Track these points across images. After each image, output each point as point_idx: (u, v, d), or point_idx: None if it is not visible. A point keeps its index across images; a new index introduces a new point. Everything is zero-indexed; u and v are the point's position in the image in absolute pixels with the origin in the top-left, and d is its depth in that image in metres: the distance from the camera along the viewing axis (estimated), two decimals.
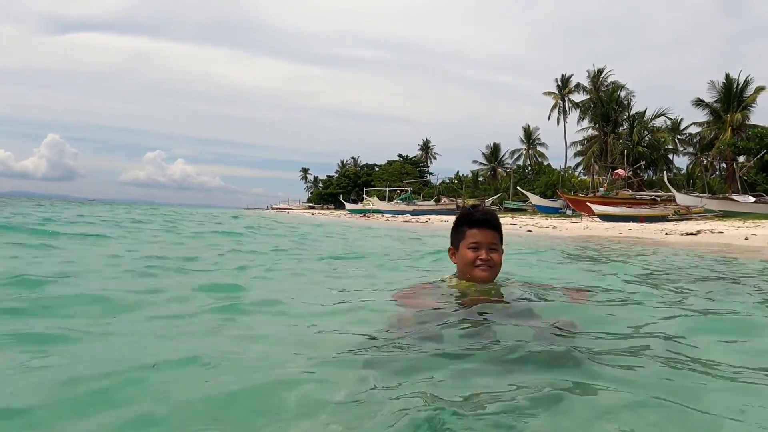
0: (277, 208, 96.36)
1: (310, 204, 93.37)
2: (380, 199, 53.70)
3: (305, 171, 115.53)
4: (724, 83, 44.43)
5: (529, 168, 65.33)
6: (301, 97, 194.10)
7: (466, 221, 3.03)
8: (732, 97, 43.96)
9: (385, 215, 44.56)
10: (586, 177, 54.49)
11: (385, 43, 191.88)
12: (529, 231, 24.57)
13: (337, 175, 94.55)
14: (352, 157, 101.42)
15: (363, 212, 51.20)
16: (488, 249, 2.96)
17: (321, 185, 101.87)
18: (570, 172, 57.29)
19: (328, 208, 79.35)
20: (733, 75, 44.28)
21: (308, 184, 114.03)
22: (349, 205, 59.66)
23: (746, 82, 44.07)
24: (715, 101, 45.07)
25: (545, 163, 65.26)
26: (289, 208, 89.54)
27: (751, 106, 44.26)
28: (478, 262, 2.93)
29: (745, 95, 44.04)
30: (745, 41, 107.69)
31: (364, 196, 59.55)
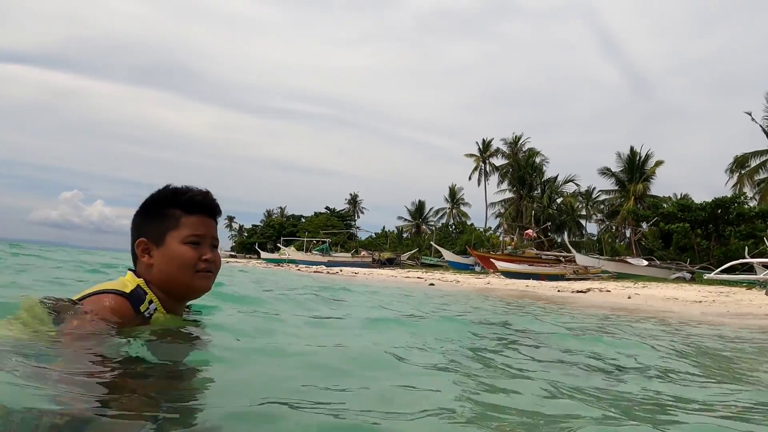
0: None
1: (232, 253, 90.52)
2: (298, 250, 52.56)
3: (230, 219, 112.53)
4: (628, 155, 47.42)
5: (453, 226, 66.45)
6: (231, 145, 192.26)
7: (177, 202, 2.00)
8: (635, 168, 46.85)
9: (299, 265, 43.38)
10: (506, 238, 56.03)
11: (320, 98, 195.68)
12: (431, 285, 24.24)
13: (262, 225, 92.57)
14: (279, 207, 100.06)
15: (277, 261, 49.78)
16: (211, 246, 2.05)
17: (246, 234, 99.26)
18: (491, 232, 58.69)
19: (249, 257, 77.10)
20: (637, 148, 47.45)
21: (233, 233, 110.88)
22: (264, 254, 58.12)
23: (647, 156, 47.25)
24: (621, 171, 47.87)
25: (468, 222, 66.68)
26: None
27: (652, 178, 47.30)
28: (202, 265, 1.97)
29: (646, 168, 47.04)
30: (654, 120, 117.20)
31: (279, 245, 58.23)
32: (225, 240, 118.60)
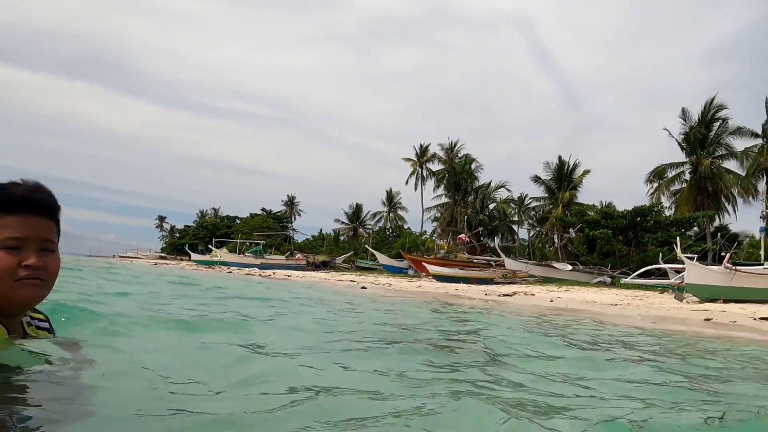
0: (124, 257, 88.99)
1: (162, 254, 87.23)
2: (230, 252, 51.20)
3: (161, 219, 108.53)
4: (557, 164, 49.24)
5: (389, 230, 66.75)
6: (164, 143, 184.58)
7: None
8: (563, 176, 48.70)
9: (231, 267, 42.24)
10: (440, 242, 56.95)
11: (258, 97, 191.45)
12: (363, 288, 24.17)
13: (194, 226, 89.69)
14: (213, 208, 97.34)
15: (209, 263, 48.29)
16: (39, 250, 1.74)
17: (177, 235, 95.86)
18: (426, 236, 59.37)
19: (180, 259, 74.48)
20: (565, 158, 49.36)
21: (164, 233, 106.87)
22: (195, 256, 56.30)
23: (575, 165, 49.25)
24: (550, 179, 49.64)
25: (405, 227, 67.19)
26: (137, 258, 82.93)
27: (579, 187, 49.32)
28: (22, 272, 1.69)
29: (574, 176, 49.01)
30: (583, 132, 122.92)
31: (211, 247, 56.57)
32: (155, 241, 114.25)
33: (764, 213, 19.81)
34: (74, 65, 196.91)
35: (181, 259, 73.24)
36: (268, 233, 62.34)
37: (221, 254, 49.45)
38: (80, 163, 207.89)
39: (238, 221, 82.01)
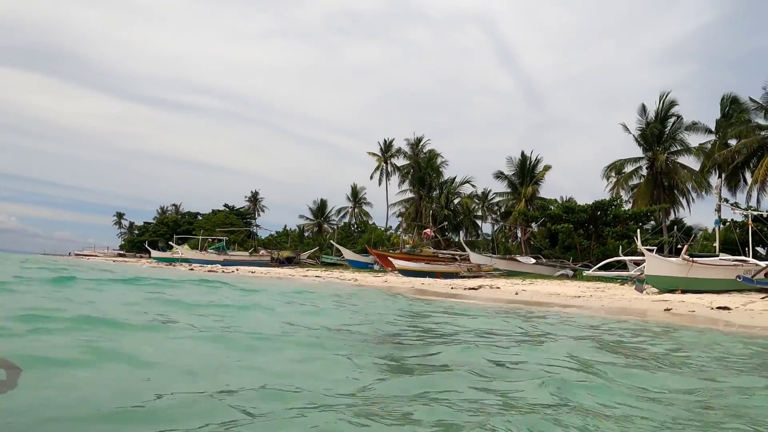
0: (80, 255, 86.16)
1: (121, 252, 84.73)
2: (192, 248, 50.05)
3: (120, 216, 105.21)
4: (519, 159, 49.86)
5: (355, 226, 66.46)
6: (121, 138, 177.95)
7: None
8: (526, 172, 49.33)
9: (192, 264, 41.30)
10: (407, 237, 57.06)
11: (222, 92, 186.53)
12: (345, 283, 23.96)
13: (155, 222, 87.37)
14: (174, 204, 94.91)
15: (170, 261, 47.10)
16: None
17: (137, 232, 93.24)
18: (391, 231, 59.39)
19: (141, 257, 72.48)
20: (528, 153, 50.04)
21: (122, 231, 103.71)
22: (155, 253, 54.86)
23: (537, 161, 49.94)
24: (513, 175, 50.26)
25: (370, 222, 67.01)
26: (94, 255, 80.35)
27: (541, 182, 50.07)
28: None
29: (536, 172, 49.73)
30: (543, 129, 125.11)
31: (172, 243, 55.18)
32: (114, 238, 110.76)
33: (718, 206, 20.48)
34: (23, 56, 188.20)
35: (141, 257, 71.31)
36: (231, 229, 61.25)
37: (183, 251, 48.26)
38: (32, 159, 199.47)
39: (200, 217, 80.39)
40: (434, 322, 5.35)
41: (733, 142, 34.77)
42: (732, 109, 35.67)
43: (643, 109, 38.44)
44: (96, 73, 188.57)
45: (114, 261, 56.38)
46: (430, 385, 2.40)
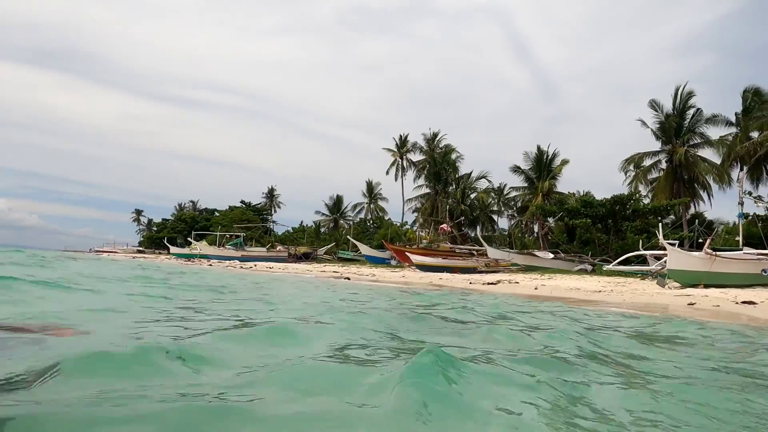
0: (100, 251, 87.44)
1: (140, 248, 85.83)
2: (210, 244, 50.57)
3: (138, 213, 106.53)
4: (536, 154, 49.50)
5: (370, 221, 66.58)
6: (139, 136, 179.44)
7: None
8: (543, 166, 48.99)
9: (211, 260, 41.74)
10: (422, 232, 57.03)
11: (236, 89, 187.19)
12: (347, 279, 24.08)
13: (173, 219, 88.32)
14: (191, 201, 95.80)
15: (188, 257, 47.65)
16: None
17: (155, 228, 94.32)
18: (407, 226, 59.37)
19: (159, 252, 73.41)
20: (544, 147, 49.66)
21: (141, 227, 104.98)
22: (174, 249, 55.47)
23: (554, 155, 49.56)
24: (530, 169, 49.94)
25: (386, 217, 67.08)
26: (114, 252, 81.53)
27: (558, 176, 49.68)
28: None
29: (553, 166, 49.35)
30: (557, 123, 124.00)
31: (191, 240, 55.77)
32: (133, 235, 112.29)
33: (742, 199, 20.19)
34: (42, 56, 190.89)
35: (160, 253, 72.18)
36: (248, 225, 61.72)
37: (201, 247, 48.80)
38: (51, 157, 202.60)
39: (217, 214, 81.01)
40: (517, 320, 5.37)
41: (755, 134, 34.17)
42: (754, 101, 35.05)
43: (658, 104, 37.94)
44: (112, 71, 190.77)
45: (134, 257, 57.14)
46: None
